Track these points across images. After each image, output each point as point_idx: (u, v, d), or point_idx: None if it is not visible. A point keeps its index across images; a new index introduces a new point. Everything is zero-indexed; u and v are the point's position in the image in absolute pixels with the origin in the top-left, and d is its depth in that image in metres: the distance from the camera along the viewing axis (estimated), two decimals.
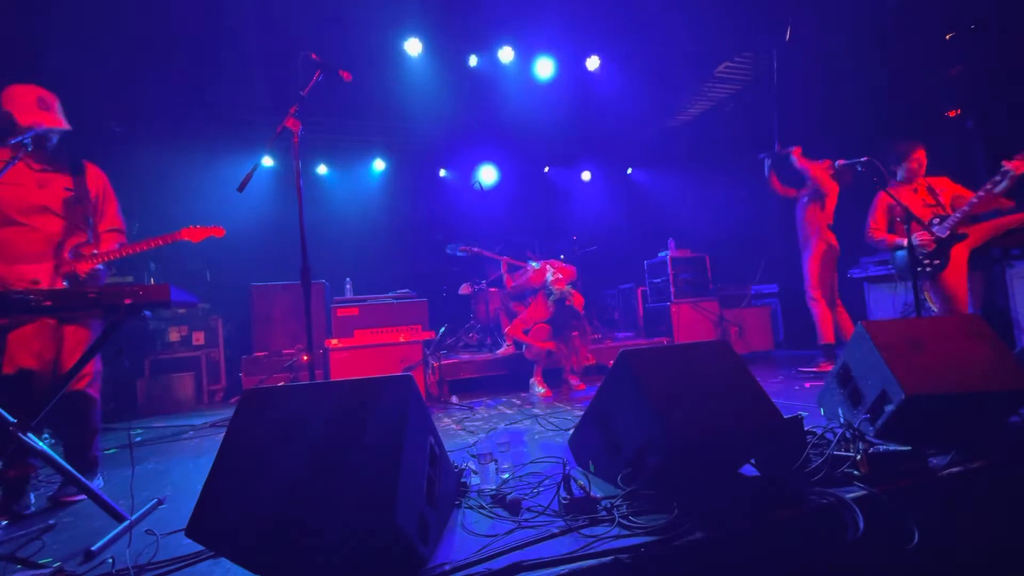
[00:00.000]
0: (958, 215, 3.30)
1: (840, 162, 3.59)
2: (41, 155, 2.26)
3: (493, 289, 5.66)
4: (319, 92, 2.48)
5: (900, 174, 3.63)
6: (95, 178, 2.41)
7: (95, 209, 2.38)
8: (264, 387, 1.52)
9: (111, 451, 3.13)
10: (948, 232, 3.31)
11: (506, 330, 4.42)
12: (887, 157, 3.65)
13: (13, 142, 2.09)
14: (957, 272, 3.34)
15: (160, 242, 2.41)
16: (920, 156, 3.55)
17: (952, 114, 4.73)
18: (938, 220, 3.39)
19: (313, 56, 2.47)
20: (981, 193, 3.21)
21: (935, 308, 3.51)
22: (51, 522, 1.92)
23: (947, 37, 4.62)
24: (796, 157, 4.31)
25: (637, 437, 1.66)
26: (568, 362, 4.25)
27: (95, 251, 2.32)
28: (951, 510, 1.67)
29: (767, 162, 4.62)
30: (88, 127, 2.61)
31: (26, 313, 1.75)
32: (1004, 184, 3.14)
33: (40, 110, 2.20)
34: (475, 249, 5.35)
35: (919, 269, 3.36)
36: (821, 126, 5.62)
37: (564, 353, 4.21)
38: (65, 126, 2.29)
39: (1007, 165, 3.12)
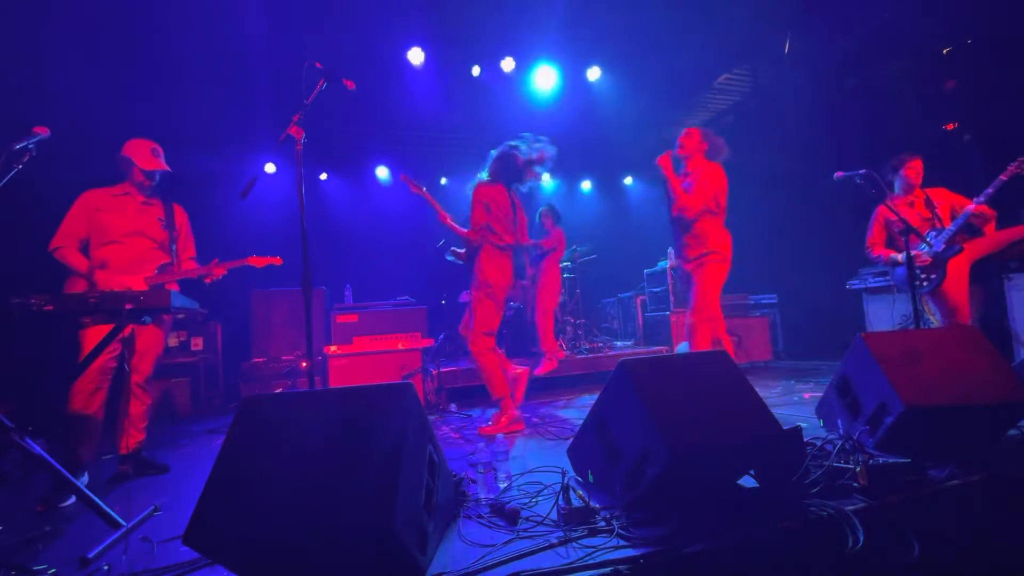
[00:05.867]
0: (952, 229, 3.30)
1: (839, 174, 3.61)
2: (145, 190, 2.81)
3: None
4: (323, 99, 2.50)
5: (897, 185, 3.62)
6: (181, 215, 2.96)
7: (178, 238, 2.90)
8: (263, 394, 1.52)
9: (107, 457, 3.11)
10: (943, 246, 3.31)
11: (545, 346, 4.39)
12: (884, 169, 3.66)
13: (18, 147, 2.11)
14: (959, 284, 3.33)
15: (230, 266, 2.84)
16: (916, 166, 3.53)
17: (950, 127, 4.77)
18: (935, 234, 3.39)
19: (317, 64, 2.49)
20: (953, 228, 3.30)
21: (935, 321, 3.51)
22: (46, 528, 1.91)
23: (944, 52, 4.68)
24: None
25: (636, 447, 1.66)
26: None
27: (178, 269, 2.82)
28: (951, 522, 1.66)
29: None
30: (88, 133, 2.64)
31: (27, 319, 1.76)
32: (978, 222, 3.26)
33: (153, 157, 2.80)
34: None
35: (916, 284, 3.37)
36: (820, 139, 5.67)
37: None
38: (168, 168, 2.86)
39: (972, 210, 3.22)
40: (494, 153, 3.40)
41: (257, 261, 2.94)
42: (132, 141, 2.78)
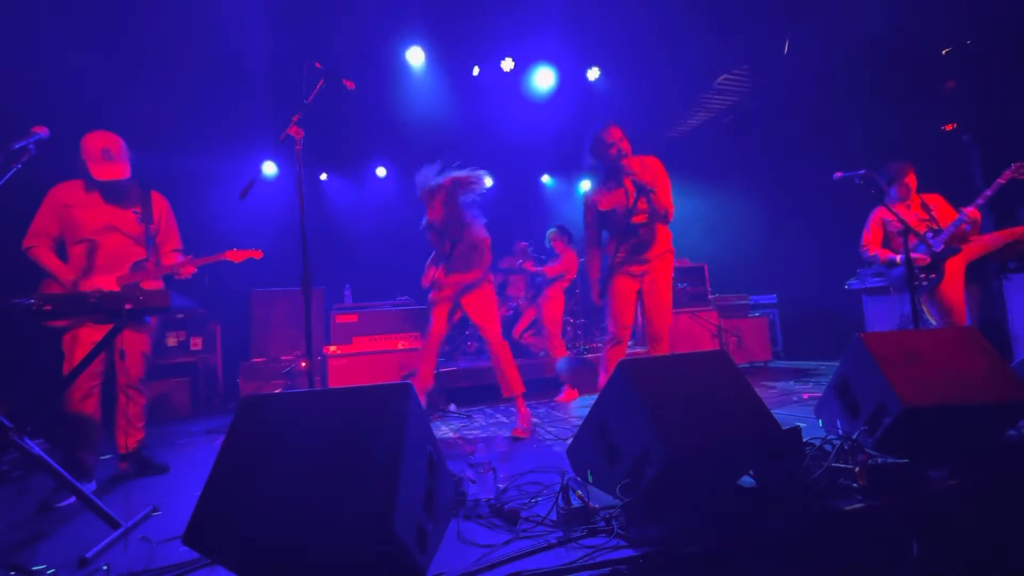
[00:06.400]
0: (951, 229, 3.34)
1: (838, 174, 3.61)
2: (114, 193, 2.57)
3: None
4: (323, 99, 2.50)
5: (893, 193, 3.65)
6: (160, 204, 2.73)
7: (158, 231, 2.69)
8: (262, 394, 1.52)
9: (106, 457, 3.11)
10: (942, 246, 3.35)
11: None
12: (881, 175, 3.68)
13: (17, 147, 2.11)
14: (954, 285, 3.36)
15: (200, 263, 2.66)
16: (911, 176, 3.58)
17: (948, 128, 4.77)
18: (932, 234, 3.42)
19: (317, 64, 2.49)
20: (951, 229, 3.33)
21: (933, 321, 3.53)
22: (45, 528, 1.91)
23: (943, 52, 4.68)
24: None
25: (635, 447, 1.66)
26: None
27: (154, 265, 2.63)
28: (950, 522, 1.66)
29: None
30: (87, 131, 2.63)
31: (26, 320, 1.75)
32: (968, 229, 3.29)
33: (105, 161, 2.49)
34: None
35: (915, 283, 3.38)
36: (820, 139, 5.67)
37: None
38: (126, 175, 2.56)
39: (966, 212, 3.27)
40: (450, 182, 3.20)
41: (235, 256, 2.75)
42: (86, 138, 2.51)
